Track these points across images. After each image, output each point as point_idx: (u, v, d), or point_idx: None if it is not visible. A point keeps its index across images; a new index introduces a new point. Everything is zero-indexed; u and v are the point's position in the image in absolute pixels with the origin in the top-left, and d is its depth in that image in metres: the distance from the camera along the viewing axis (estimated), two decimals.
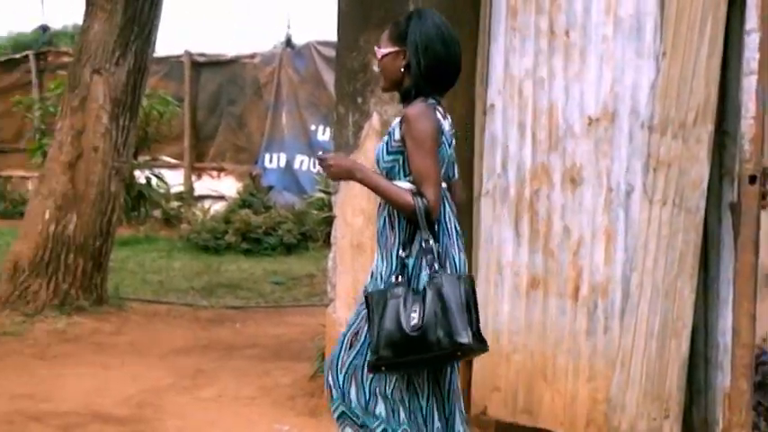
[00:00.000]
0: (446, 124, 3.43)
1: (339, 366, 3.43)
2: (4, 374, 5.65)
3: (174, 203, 12.43)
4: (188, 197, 12.80)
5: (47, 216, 7.06)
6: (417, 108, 3.35)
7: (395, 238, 3.40)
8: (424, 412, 3.41)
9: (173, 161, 13.14)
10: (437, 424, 3.42)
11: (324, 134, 12.04)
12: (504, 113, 4.60)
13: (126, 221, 10.74)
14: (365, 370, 3.36)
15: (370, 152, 4.66)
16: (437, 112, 3.39)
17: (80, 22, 7.44)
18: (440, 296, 3.23)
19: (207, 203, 12.43)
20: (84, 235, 7.13)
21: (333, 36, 5.12)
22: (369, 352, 3.32)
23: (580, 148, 4.37)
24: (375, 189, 3.40)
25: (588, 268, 4.35)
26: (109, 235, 7.33)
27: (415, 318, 3.22)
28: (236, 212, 10.85)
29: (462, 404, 3.48)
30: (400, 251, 3.37)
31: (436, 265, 3.30)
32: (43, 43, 16.27)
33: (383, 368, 3.28)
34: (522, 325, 4.55)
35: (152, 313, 7.45)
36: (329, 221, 9.45)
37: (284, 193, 12.00)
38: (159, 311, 7.54)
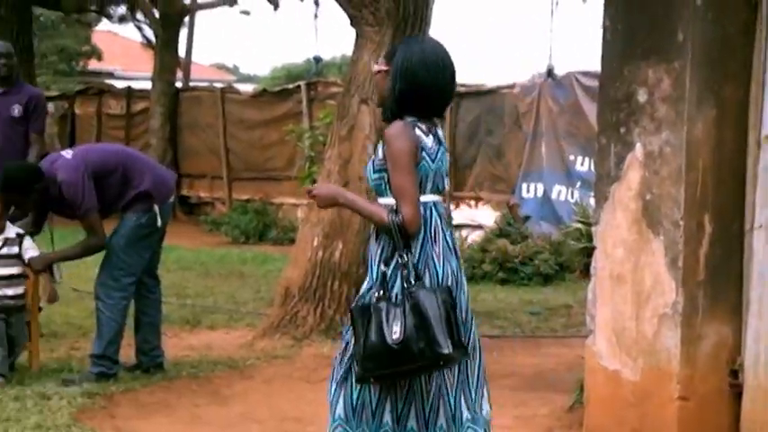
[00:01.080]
0: (428, 141, 3.58)
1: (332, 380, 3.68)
2: (274, 397, 5.92)
3: None
4: None
5: (315, 243, 7.35)
6: (394, 128, 3.56)
7: (378, 253, 3.58)
8: (399, 413, 3.56)
9: None
10: (411, 423, 3.55)
11: (582, 164, 11.90)
12: None
13: None
14: (351, 382, 3.58)
15: (632, 183, 4.59)
16: (417, 130, 3.57)
17: (348, 53, 7.72)
18: (416, 309, 3.42)
19: (464, 232, 12.54)
20: (348, 262, 7.36)
21: (594, 66, 5.09)
22: (355, 364, 3.52)
23: None
24: (356, 210, 3.71)
25: None
26: None
27: (396, 331, 3.41)
28: (492, 242, 10.89)
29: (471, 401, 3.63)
30: (381, 266, 3.54)
31: (412, 279, 3.47)
32: (314, 74, 16.96)
33: (371, 379, 3.50)
34: None
35: None
36: (587, 252, 9.33)
37: (541, 223, 11.93)
38: None
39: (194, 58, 22.95)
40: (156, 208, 6.04)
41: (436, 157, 3.60)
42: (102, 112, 18.01)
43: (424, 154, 3.56)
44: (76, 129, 18.20)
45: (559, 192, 12.18)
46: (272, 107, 15.43)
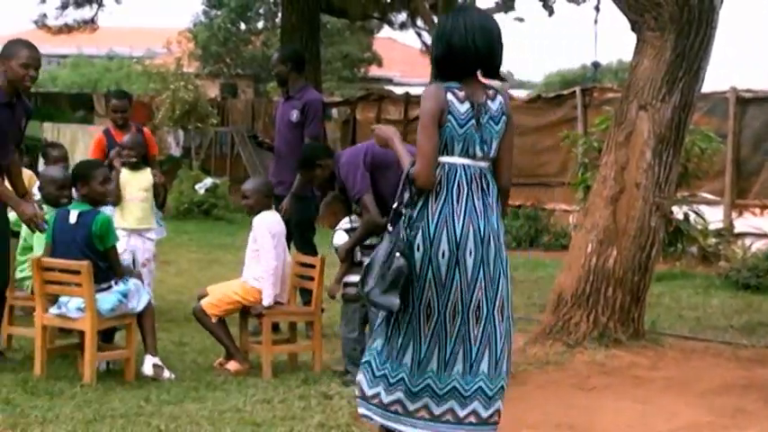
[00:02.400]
0: (461, 107, 3.83)
1: None
2: (546, 403, 5.88)
3: (712, 240, 12.18)
4: (727, 234, 12.48)
5: (589, 249, 7.26)
6: (426, 89, 3.88)
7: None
8: (399, 347, 3.91)
9: (711, 197, 12.90)
10: (406, 359, 3.89)
11: None
12: None
13: (662, 257, 10.73)
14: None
15: None
16: (450, 94, 3.83)
17: (624, 58, 7.61)
18: (376, 249, 3.90)
19: (747, 241, 12.03)
20: (623, 269, 7.22)
21: None
22: None
23: None
24: (396, 154, 4.17)
25: None
26: (647, 270, 7.36)
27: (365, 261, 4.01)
28: None
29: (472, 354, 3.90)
30: (402, 208, 3.90)
31: (401, 231, 3.82)
32: (592, 79, 16.80)
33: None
34: None
35: (689, 350, 7.36)
36: None
37: None
38: (696, 348, 7.42)
39: None
40: None
41: (467, 123, 3.84)
42: (382, 117, 18.57)
43: (450, 117, 3.84)
44: (357, 134, 18.89)
45: None
46: (545, 113, 15.40)
